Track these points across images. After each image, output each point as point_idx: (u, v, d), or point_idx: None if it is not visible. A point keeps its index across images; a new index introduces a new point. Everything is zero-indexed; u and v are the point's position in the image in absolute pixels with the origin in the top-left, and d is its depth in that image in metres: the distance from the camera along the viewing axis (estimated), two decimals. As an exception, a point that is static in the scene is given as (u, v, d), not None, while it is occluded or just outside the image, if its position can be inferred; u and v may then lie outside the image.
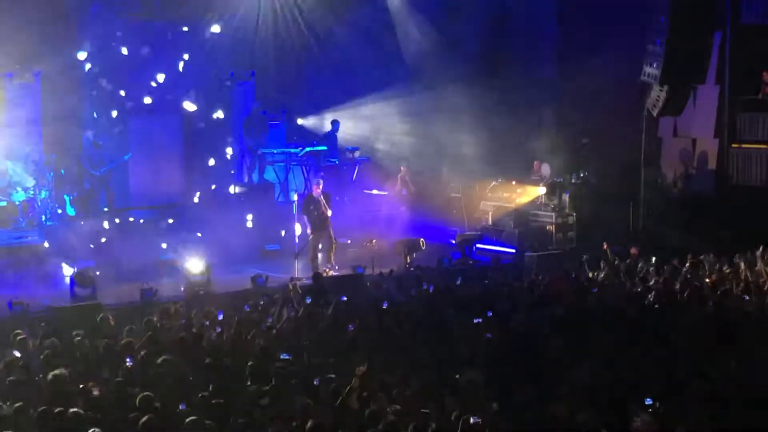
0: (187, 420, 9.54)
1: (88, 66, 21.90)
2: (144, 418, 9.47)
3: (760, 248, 17.50)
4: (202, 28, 23.17)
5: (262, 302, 16.33)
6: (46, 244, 19.67)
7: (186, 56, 23.07)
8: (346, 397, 10.29)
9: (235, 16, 23.07)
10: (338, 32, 24.02)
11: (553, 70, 24.77)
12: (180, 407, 10.04)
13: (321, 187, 20.30)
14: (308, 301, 15.64)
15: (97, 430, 9.28)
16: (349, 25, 23.99)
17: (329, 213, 20.10)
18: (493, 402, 10.27)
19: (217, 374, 11.42)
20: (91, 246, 19.96)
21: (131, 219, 21.91)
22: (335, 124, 24.32)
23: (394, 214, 23.27)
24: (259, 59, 23.93)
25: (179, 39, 23.17)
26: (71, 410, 9.79)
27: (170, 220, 21.83)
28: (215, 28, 22.99)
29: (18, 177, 20.52)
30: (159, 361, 11.58)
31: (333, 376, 11.18)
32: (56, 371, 11.19)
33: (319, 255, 20.07)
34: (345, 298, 15.99)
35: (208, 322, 14.47)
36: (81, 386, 10.89)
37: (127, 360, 11.80)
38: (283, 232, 21.53)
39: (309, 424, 9.30)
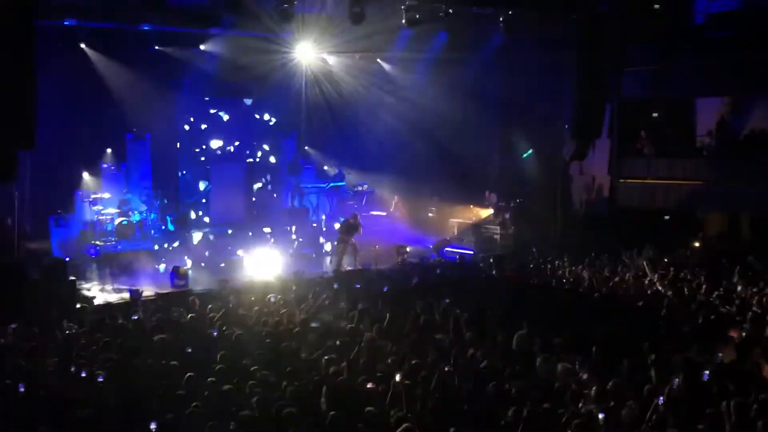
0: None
1: (186, 127, 22.23)
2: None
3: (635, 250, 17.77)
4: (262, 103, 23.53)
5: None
6: (155, 249, 19.88)
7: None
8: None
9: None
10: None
11: (496, 129, 24.90)
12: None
13: (358, 218, 20.40)
14: (335, 287, 15.82)
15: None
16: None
17: (360, 233, 20.29)
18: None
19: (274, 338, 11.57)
20: (186, 250, 20.19)
21: (212, 233, 22.00)
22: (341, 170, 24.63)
23: (391, 228, 23.44)
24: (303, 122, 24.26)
25: (245, 107, 23.46)
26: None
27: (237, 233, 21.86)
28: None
29: (135, 204, 20.75)
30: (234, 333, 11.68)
31: (347, 338, 11.37)
32: (160, 335, 11.42)
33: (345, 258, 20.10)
34: (358, 286, 16.19)
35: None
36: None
37: (213, 332, 12.00)
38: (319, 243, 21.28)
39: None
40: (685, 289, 14.35)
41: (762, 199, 19.50)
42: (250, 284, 17.12)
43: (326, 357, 10.23)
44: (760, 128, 20.68)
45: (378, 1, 18.25)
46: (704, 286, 14.42)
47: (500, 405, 8.54)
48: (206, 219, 22.68)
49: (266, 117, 23.81)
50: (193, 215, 22.34)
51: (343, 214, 21.69)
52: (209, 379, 9.37)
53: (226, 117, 23.27)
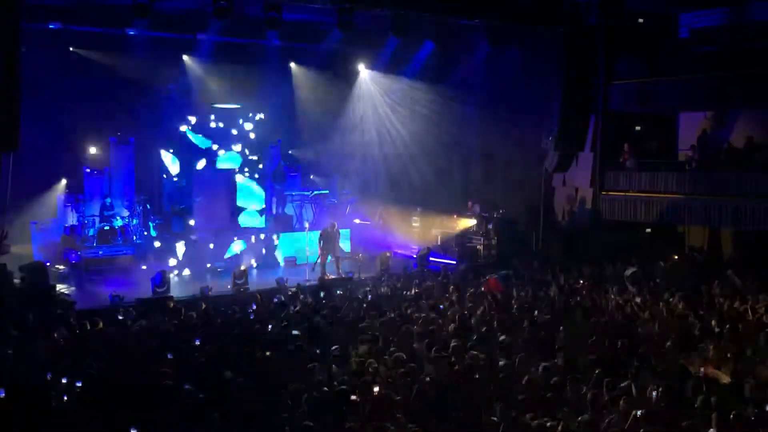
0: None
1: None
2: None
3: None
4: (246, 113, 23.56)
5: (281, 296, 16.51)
6: (135, 256, 19.79)
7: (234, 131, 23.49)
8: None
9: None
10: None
11: (479, 140, 24.97)
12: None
13: (336, 226, 20.44)
14: (322, 295, 15.81)
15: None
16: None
17: (340, 240, 20.32)
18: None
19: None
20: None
21: (194, 238, 21.62)
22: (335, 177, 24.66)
23: (374, 236, 23.42)
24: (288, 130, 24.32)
25: (231, 113, 23.46)
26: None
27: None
28: (260, 116, 23.54)
29: (117, 209, 20.67)
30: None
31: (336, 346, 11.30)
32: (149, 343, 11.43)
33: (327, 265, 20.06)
34: (340, 292, 16.18)
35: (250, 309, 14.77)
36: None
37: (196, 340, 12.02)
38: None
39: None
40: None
41: (743, 214, 19.67)
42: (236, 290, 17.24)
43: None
44: (742, 142, 20.90)
45: (366, 10, 18.34)
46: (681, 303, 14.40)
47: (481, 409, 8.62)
48: (191, 223, 22.46)
49: (250, 126, 23.82)
50: (179, 221, 22.17)
51: (326, 223, 21.69)
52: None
53: (212, 123, 23.23)
